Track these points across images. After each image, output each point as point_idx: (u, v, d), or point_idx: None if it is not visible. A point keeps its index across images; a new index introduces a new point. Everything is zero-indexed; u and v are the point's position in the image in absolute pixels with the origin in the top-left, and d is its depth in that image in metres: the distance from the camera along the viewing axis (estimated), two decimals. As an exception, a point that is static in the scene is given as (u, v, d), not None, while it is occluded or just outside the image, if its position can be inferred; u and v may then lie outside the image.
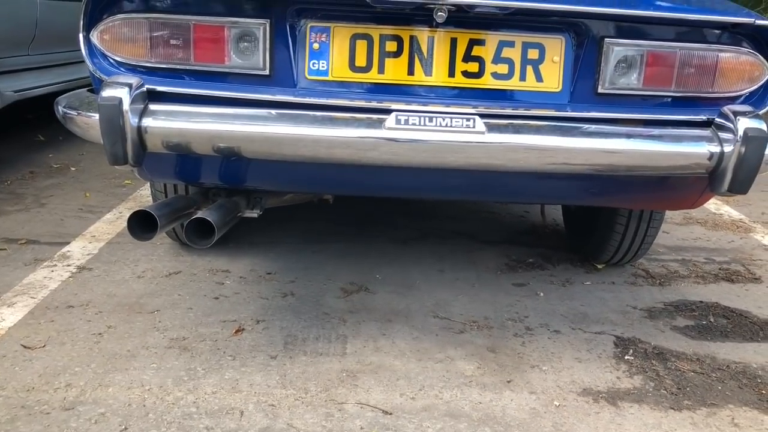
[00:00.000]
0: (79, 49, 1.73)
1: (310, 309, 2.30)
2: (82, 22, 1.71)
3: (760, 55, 1.75)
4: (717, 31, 1.72)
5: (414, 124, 1.60)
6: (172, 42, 1.68)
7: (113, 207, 3.32)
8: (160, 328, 2.12)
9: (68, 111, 1.74)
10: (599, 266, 2.85)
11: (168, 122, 1.61)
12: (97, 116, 1.63)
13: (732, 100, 1.78)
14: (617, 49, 1.70)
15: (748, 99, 1.81)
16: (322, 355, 2.00)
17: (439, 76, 1.70)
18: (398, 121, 1.60)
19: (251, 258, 2.72)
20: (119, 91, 1.55)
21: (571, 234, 3.06)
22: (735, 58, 1.74)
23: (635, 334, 2.26)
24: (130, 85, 1.58)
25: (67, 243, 2.80)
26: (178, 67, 1.71)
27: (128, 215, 1.75)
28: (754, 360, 2.13)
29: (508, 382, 1.92)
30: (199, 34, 1.68)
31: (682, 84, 1.74)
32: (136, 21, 1.68)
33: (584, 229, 2.85)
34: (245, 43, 1.69)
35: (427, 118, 1.60)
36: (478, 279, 2.64)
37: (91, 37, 1.73)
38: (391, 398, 1.81)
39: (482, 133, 1.60)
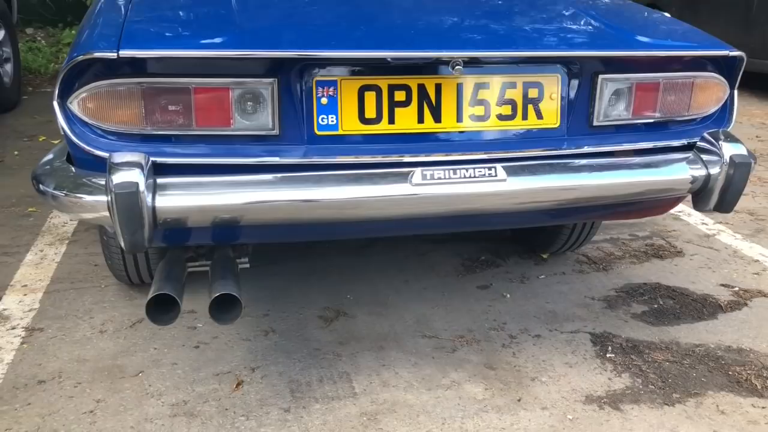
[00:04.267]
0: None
1: (299, 346, 2.26)
2: (58, 89, 1.54)
3: (723, 78, 1.91)
4: (692, 60, 1.85)
5: (440, 178, 1.60)
6: (171, 107, 1.56)
7: (30, 245, 3.04)
8: (153, 393, 2.01)
9: (56, 192, 1.57)
10: (544, 256, 3.01)
11: (185, 199, 1.51)
12: (93, 198, 1.51)
13: (703, 120, 1.93)
14: (610, 83, 1.78)
15: (710, 118, 1.97)
16: (334, 400, 1.99)
17: (448, 122, 1.71)
18: (424, 177, 1.60)
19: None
20: (133, 175, 1.43)
21: (519, 230, 3.18)
22: (705, 82, 1.88)
23: (605, 328, 2.43)
24: (141, 166, 1.45)
25: (-1, 299, 2.54)
26: (177, 133, 1.59)
27: (146, 304, 1.63)
28: (709, 340, 2.37)
29: (519, 400, 2.01)
30: (201, 98, 1.56)
31: (664, 110, 1.86)
32: (127, 87, 1.54)
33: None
34: (251, 104, 1.60)
35: (451, 171, 1.61)
36: (444, 286, 2.71)
37: (69, 105, 1.56)
38: (421, 438, 1.84)
39: (504, 180, 1.64)
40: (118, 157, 1.47)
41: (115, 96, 1.54)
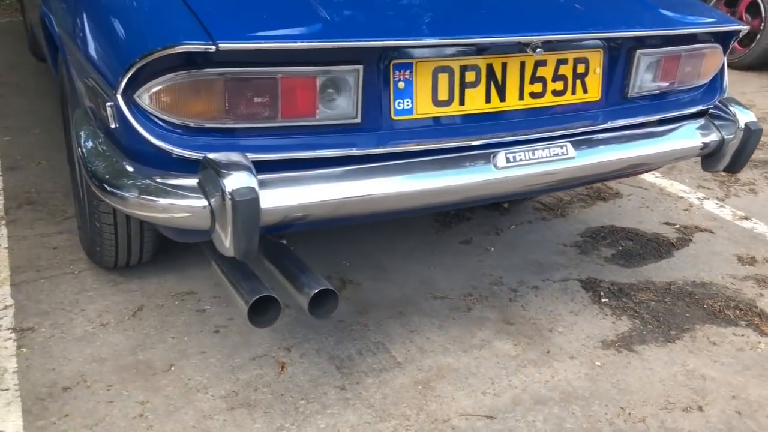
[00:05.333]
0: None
1: (323, 320, 2.25)
2: (125, 81, 1.39)
3: (721, 48, 2.09)
4: (706, 33, 2.00)
5: (521, 160, 1.65)
6: (256, 99, 1.46)
7: (-37, 230, 2.71)
8: (197, 387, 1.93)
9: (141, 198, 1.44)
10: (505, 206, 3.17)
11: (289, 197, 1.45)
12: (168, 201, 1.42)
13: (698, 88, 2.11)
14: (645, 57, 1.89)
15: (702, 87, 2.16)
16: (383, 372, 2.03)
17: (511, 101, 1.74)
18: (508, 160, 1.64)
19: (199, 270, 2.50)
20: (247, 179, 1.34)
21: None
22: (711, 52, 2.05)
23: (588, 273, 2.64)
24: (249, 168, 1.37)
25: (-38, 298, 2.27)
26: (261, 125, 1.50)
27: (247, 311, 1.56)
28: (676, 277, 2.66)
29: (547, 352, 2.17)
30: (288, 88, 1.48)
31: (681, 80, 2.01)
32: (209, 79, 1.42)
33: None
34: (335, 92, 1.53)
35: (530, 152, 1.66)
36: (430, 245, 2.78)
37: (137, 98, 1.42)
38: (480, 400, 1.94)
39: (573, 158, 1.72)
40: (221, 158, 1.36)
41: (194, 89, 1.42)
